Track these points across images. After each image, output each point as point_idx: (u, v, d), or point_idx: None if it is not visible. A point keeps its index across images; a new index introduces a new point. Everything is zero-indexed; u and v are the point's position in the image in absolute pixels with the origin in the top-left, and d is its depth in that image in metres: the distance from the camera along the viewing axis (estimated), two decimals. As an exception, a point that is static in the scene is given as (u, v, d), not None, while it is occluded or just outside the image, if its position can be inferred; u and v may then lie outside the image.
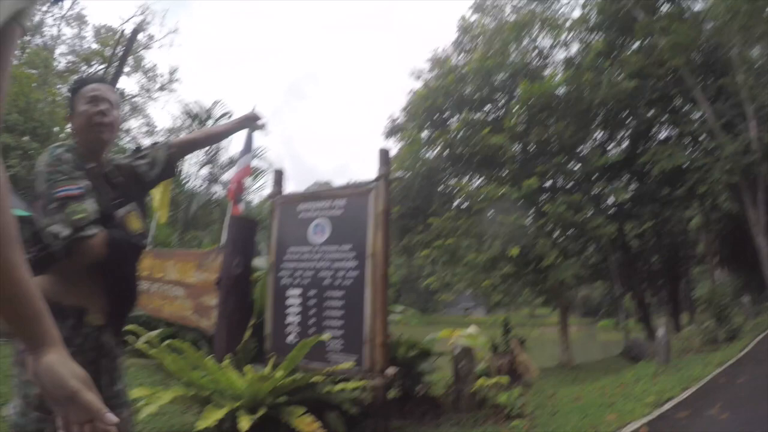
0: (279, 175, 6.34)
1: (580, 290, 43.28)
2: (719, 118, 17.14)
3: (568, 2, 21.46)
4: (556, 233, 18.14)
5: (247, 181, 8.15)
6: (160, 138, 22.24)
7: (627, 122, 20.29)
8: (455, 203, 18.78)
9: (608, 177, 19.20)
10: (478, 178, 19.52)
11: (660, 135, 20.68)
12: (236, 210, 6.87)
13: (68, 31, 33.24)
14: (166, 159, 2.43)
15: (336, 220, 5.34)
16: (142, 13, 33.05)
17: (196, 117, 24.15)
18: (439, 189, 19.00)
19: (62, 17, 30.75)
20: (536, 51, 20.18)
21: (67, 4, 30.50)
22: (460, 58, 20.98)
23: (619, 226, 20.83)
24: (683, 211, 22.09)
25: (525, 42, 19.57)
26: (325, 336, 4.75)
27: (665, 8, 19.07)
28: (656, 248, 24.60)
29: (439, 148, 18.77)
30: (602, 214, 17.63)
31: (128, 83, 36.42)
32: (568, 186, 18.89)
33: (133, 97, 33.29)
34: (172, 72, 34.39)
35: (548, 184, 18.68)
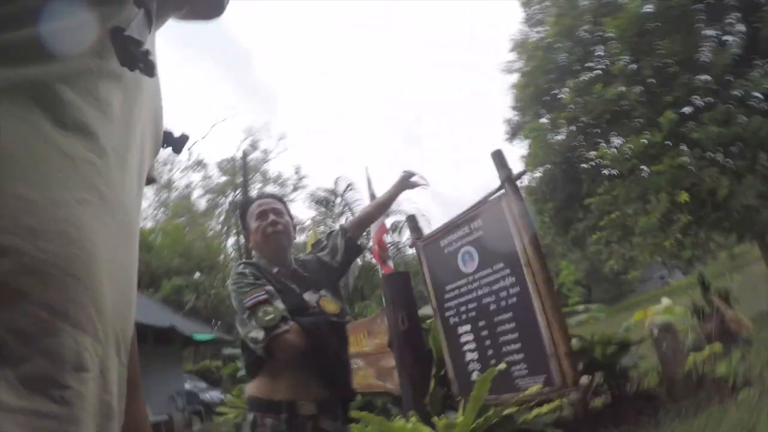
0: (412, 221, 6.36)
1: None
2: None
3: None
4: (719, 157, 16.44)
5: (387, 238, 8.15)
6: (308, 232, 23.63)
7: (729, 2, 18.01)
8: (605, 175, 17.43)
9: (742, 72, 17.03)
10: (617, 139, 18.30)
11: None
12: (387, 269, 6.88)
13: (195, 176, 36.73)
14: (345, 244, 2.65)
15: (479, 243, 5.12)
16: (248, 137, 35.76)
17: (326, 201, 25.08)
18: (581, 167, 17.83)
19: (185, 168, 33.94)
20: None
21: (184, 155, 33.78)
22: (539, 31, 20.09)
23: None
24: None
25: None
26: (501, 366, 4.43)
27: None
28: None
29: (563, 126, 17.89)
30: (756, 113, 15.49)
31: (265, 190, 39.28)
32: (707, 104, 17.02)
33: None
34: (297, 171, 36.89)
35: (687, 110, 16.77)
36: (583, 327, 6.54)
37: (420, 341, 5.81)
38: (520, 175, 4.57)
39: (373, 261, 19.40)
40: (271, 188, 35.29)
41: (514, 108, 19.81)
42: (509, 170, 4.70)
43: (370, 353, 6.68)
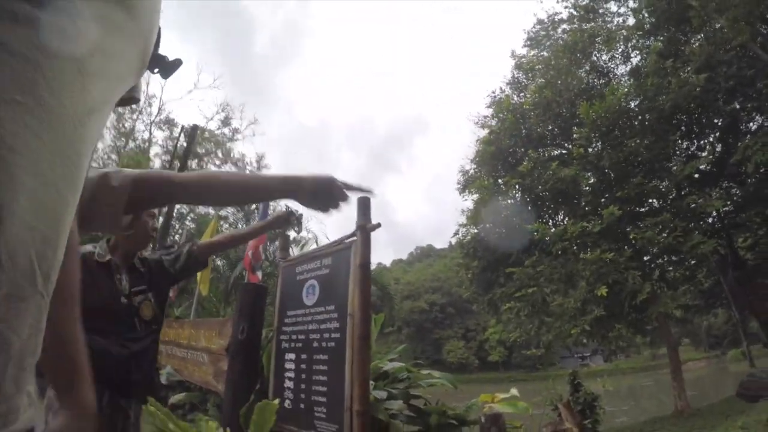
0: (285, 240, 6.28)
1: (702, 320, 40.14)
2: (810, 88, 15.38)
3: (618, 11, 20.66)
4: (652, 263, 16.83)
5: (262, 249, 8.11)
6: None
7: (710, 121, 18.68)
8: (535, 249, 17.51)
9: (703, 187, 17.59)
10: (557, 218, 18.68)
11: (751, 126, 18.64)
12: (254, 278, 6.83)
13: (160, 134, 35.83)
14: (187, 256, 2.76)
15: (323, 280, 5.11)
16: (222, 110, 35.13)
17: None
18: (517, 236, 17.78)
19: (152, 122, 33.22)
20: (595, 70, 19.35)
21: (155, 108, 33.11)
22: (522, 95, 20.49)
23: (729, 241, 19.15)
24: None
25: (581, 63, 18.84)
26: (275, 402, 4.46)
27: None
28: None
29: (513, 193, 18.14)
30: (700, 231, 15.95)
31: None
32: (658, 207, 17.46)
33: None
34: (260, 159, 36.31)
35: (637, 209, 17.23)
36: (431, 391, 6.51)
37: (254, 354, 5.83)
38: (374, 227, 4.56)
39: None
40: (228, 168, 34.91)
41: (473, 161, 20.01)
42: (367, 219, 4.70)
43: (214, 352, 6.80)
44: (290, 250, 6.42)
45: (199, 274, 10.13)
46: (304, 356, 5.04)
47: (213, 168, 33.57)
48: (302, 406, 4.77)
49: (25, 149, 0.50)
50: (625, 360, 51.65)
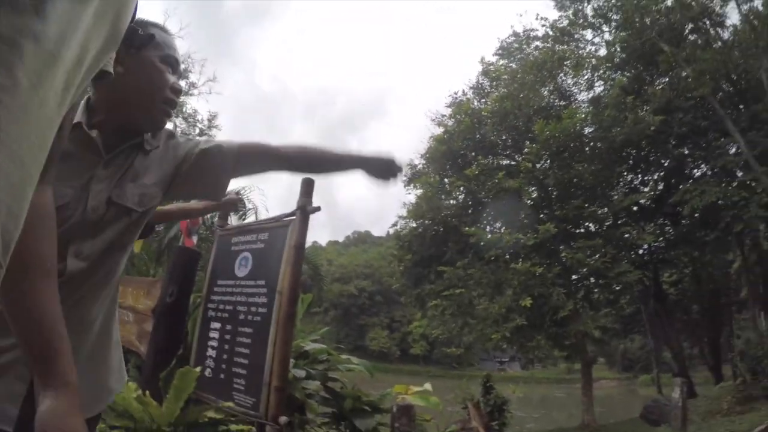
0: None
1: (618, 343, 41.63)
2: (753, 148, 16.20)
3: (593, 40, 21.21)
4: (579, 283, 17.42)
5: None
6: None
7: (657, 161, 19.44)
8: (470, 252, 17.92)
9: (639, 220, 18.39)
10: (495, 225, 19.09)
11: (695, 173, 19.53)
12: (189, 242, 6.71)
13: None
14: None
15: (257, 254, 5.11)
16: (183, 62, 34.04)
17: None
18: (453, 237, 18.32)
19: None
20: (557, 91, 19.79)
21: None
22: (482, 101, 20.74)
23: (655, 273, 19.96)
24: (724, 253, 20.95)
25: (546, 82, 19.23)
26: (197, 369, 4.49)
27: (691, 38, 18.47)
28: (696, 296, 23.30)
29: (456, 194, 18.45)
30: (629, 260, 16.69)
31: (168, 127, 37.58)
32: (593, 231, 18.10)
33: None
34: (212, 118, 35.23)
35: (572, 229, 17.84)
36: (349, 375, 6.61)
37: (180, 319, 5.74)
38: (313, 210, 4.60)
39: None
40: (179, 122, 33.95)
41: (423, 157, 20.22)
42: (308, 201, 4.74)
43: (140, 312, 6.55)
44: (229, 218, 6.40)
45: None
46: (229, 327, 5.05)
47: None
48: (222, 376, 4.78)
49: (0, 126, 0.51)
50: (541, 370, 52.83)
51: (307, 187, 4.84)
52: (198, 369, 4.48)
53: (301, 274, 4.73)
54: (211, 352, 5.17)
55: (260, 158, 1.63)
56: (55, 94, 0.61)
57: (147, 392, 4.56)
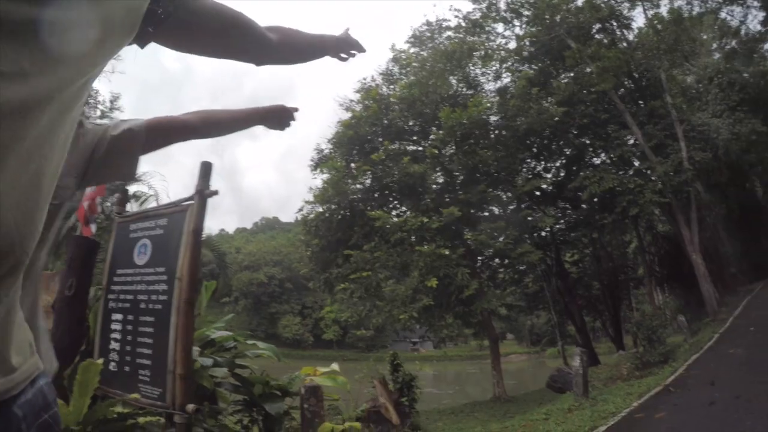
0: (123, 195, 6.02)
1: (525, 319, 43.33)
2: (650, 140, 17.29)
3: (503, 33, 21.84)
4: (483, 263, 18.02)
5: (100, 201, 7.71)
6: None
7: (559, 149, 20.34)
8: (376, 235, 18.01)
9: (541, 204, 19.25)
10: (401, 209, 19.40)
11: (595, 161, 20.60)
12: (87, 231, 6.44)
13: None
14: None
15: (156, 240, 4.95)
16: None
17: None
18: (359, 221, 18.41)
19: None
20: (465, 80, 20.19)
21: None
22: (391, 88, 20.84)
23: (557, 254, 20.90)
24: (621, 235, 22.27)
25: (455, 71, 19.59)
26: (99, 361, 4.36)
27: (597, 37, 19.44)
28: (596, 274, 24.63)
29: (362, 178, 18.56)
30: (531, 242, 17.46)
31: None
32: (497, 214, 18.77)
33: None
34: (114, 99, 33.61)
35: (477, 212, 18.31)
36: (256, 361, 6.58)
37: (81, 312, 5.44)
38: (211, 193, 4.54)
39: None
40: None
41: (330, 141, 20.19)
42: (206, 184, 4.67)
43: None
44: (129, 205, 6.18)
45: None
46: (130, 318, 4.91)
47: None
48: (127, 368, 4.66)
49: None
50: (453, 348, 53.82)
51: (205, 171, 4.75)
52: (100, 361, 4.30)
53: (201, 260, 4.66)
54: (114, 345, 5.00)
55: (167, 132, 1.68)
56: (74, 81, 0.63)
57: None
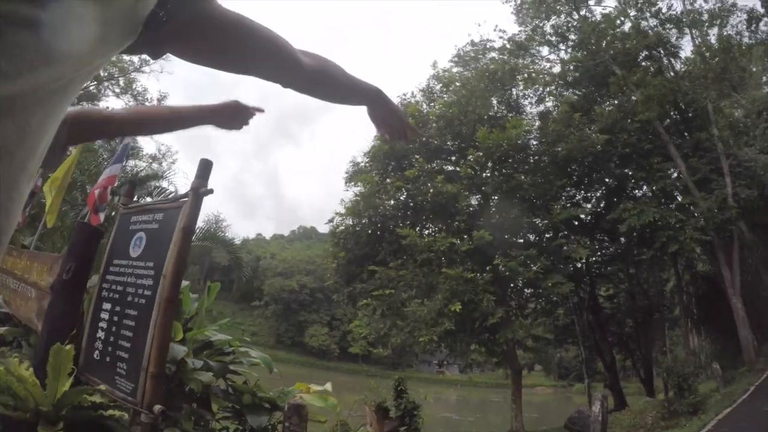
0: (131, 187, 5.99)
1: (555, 352, 42.46)
2: (694, 174, 16.75)
3: (548, 56, 21.57)
4: (512, 291, 17.65)
5: (110, 191, 7.69)
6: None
7: (600, 178, 19.88)
8: (403, 253, 17.95)
9: (576, 234, 18.73)
10: (431, 228, 19.16)
11: (636, 193, 20.19)
12: (95, 219, 6.48)
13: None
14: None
15: (151, 235, 4.93)
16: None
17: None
18: (388, 237, 18.39)
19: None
20: (506, 102, 19.99)
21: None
22: (431, 105, 20.72)
23: (591, 287, 20.35)
24: (659, 272, 21.60)
25: (497, 92, 19.40)
26: (69, 347, 4.30)
27: (644, 64, 19.05)
28: (630, 311, 23.89)
29: (395, 195, 18.43)
30: (563, 273, 16.91)
31: (117, 104, 36.64)
32: (531, 241, 18.35)
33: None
34: (161, 98, 34.43)
35: (510, 238, 17.87)
36: (256, 370, 6.47)
37: (76, 297, 5.50)
38: (207, 192, 4.44)
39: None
40: (127, 99, 33.09)
41: (366, 155, 20.14)
42: (202, 183, 4.57)
43: (41, 288, 6.24)
44: (135, 197, 6.18)
45: (49, 201, 9.42)
46: (117, 309, 4.88)
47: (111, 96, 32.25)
48: (108, 359, 4.61)
49: None
50: (479, 374, 53.24)
51: (204, 169, 4.67)
52: (70, 347, 4.31)
53: (187, 259, 4.58)
54: (100, 334, 4.98)
55: (90, 125, 1.61)
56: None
57: (30, 369, 4.38)
